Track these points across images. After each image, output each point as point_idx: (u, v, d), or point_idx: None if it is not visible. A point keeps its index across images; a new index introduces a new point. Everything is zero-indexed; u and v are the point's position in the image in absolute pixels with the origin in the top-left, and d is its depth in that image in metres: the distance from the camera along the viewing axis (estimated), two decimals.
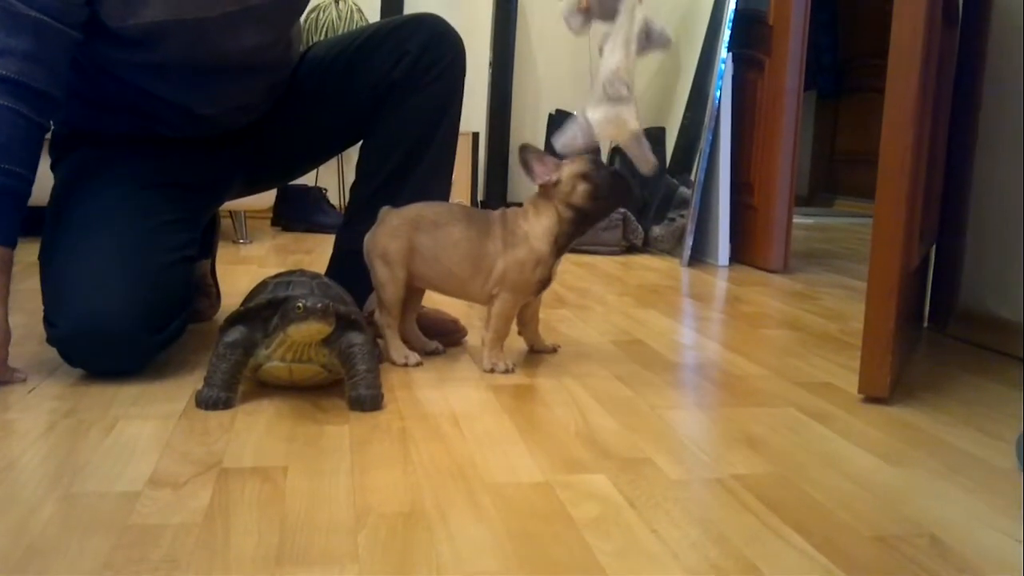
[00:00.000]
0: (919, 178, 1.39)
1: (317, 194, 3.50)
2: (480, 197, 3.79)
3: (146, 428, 1.14)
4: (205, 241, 1.79)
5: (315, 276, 1.36)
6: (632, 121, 1.48)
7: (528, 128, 3.79)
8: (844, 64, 5.85)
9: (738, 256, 2.86)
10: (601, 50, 1.53)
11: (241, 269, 2.46)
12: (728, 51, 2.80)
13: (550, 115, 3.45)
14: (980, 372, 1.62)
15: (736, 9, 2.82)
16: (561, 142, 1.54)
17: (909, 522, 0.95)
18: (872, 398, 1.37)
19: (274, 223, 3.55)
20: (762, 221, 2.80)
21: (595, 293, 2.30)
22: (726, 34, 2.81)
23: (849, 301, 2.26)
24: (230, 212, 2.99)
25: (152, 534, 0.85)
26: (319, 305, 1.17)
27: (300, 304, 1.17)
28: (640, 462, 1.09)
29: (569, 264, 2.77)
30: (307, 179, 3.41)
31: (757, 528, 0.91)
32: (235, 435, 1.13)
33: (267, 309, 1.25)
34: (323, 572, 0.77)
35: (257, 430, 1.15)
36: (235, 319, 1.27)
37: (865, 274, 1.38)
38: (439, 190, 1.66)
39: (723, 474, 1.06)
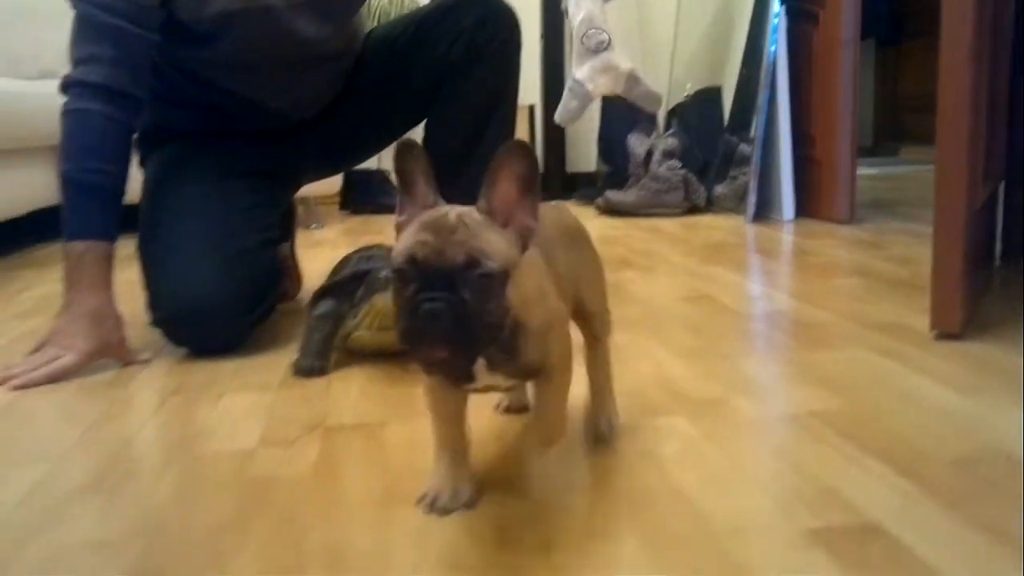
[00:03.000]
0: (980, 115, 1.39)
1: (381, 177, 3.59)
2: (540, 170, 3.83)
3: (249, 397, 1.22)
4: (284, 226, 1.88)
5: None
6: (622, 63, 1.44)
7: None
8: (902, 9, 5.70)
9: (803, 210, 2.85)
10: (566, 10, 1.49)
11: (316, 252, 2.55)
12: (781, 4, 2.78)
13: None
14: None
15: None
16: (561, 116, 1.53)
17: (987, 447, 0.97)
18: (945, 334, 1.38)
19: (342, 207, 3.65)
20: (826, 173, 2.78)
21: (660, 254, 2.33)
22: None
23: (919, 247, 2.25)
24: (301, 199, 3.08)
25: (270, 486, 0.92)
26: None
27: (383, 275, 1.23)
28: (717, 403, 1.13)
29: (632, 228, 2.80)
30: (370, 163, 3.48)
31: (836, 458, 0.95)
32: (333, 399, 1.20)
33: (352, 282, 1.32)
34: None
35: (352, 393, 1.22)
36: (323, 293, 1.35)
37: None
38: None
39: (799, 411, 1.10)
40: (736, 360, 1.34)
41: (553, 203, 0.99)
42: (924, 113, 5.31)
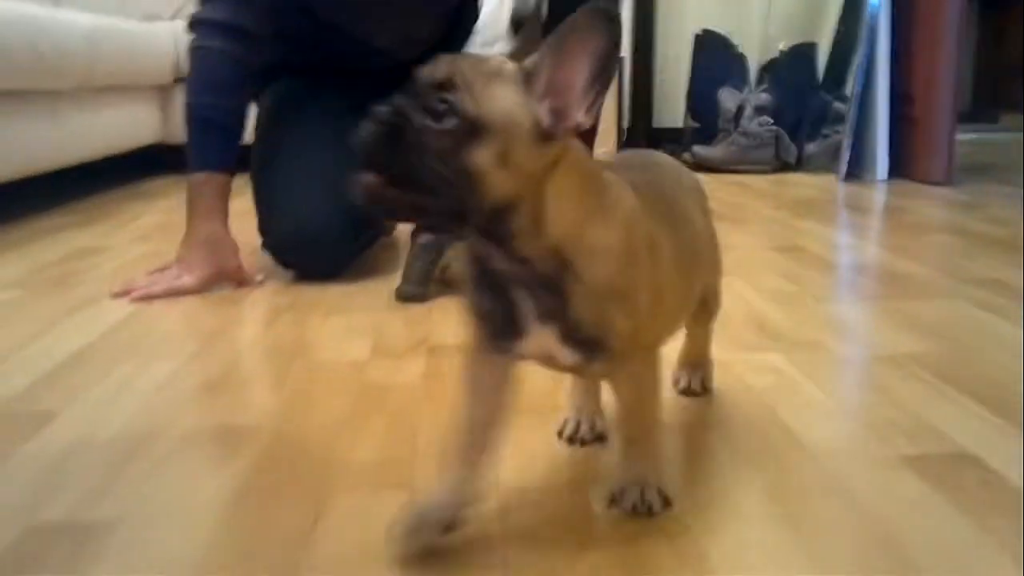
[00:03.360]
0: None
1: None
2: (625, 124, 3.82)
3: (356, 317, 1.29)
4: None
5: None
6: None
7: (672, 51, 3.77)
8: None
9: (898, 170, 2.80)
10: None
11: None
12: None
13: (696, 36, 3.42)
14: None
15: None
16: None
17: None
18: None
19: None
20: (923, 133, 2.72)
21: (751, 207, 2.32)
22: None
23: (1017, 209, 2.20)
24: None
25: (382, 391, 0.99)
26: None
27: None
28: (811, 344, 1.15)
29: (720, 183, 2.78)
30: None
31: (931, 395, 0.97)
32: (434, 322, 1.26)
33: None
34: (537, 416, 0.88)
35: (451, 318, 1.28)
36: None
37: None
38: None
39: (894, 352, 1.11)
40: (830, 305, 1.35)
41: (659, 153, 0.88)
42: None
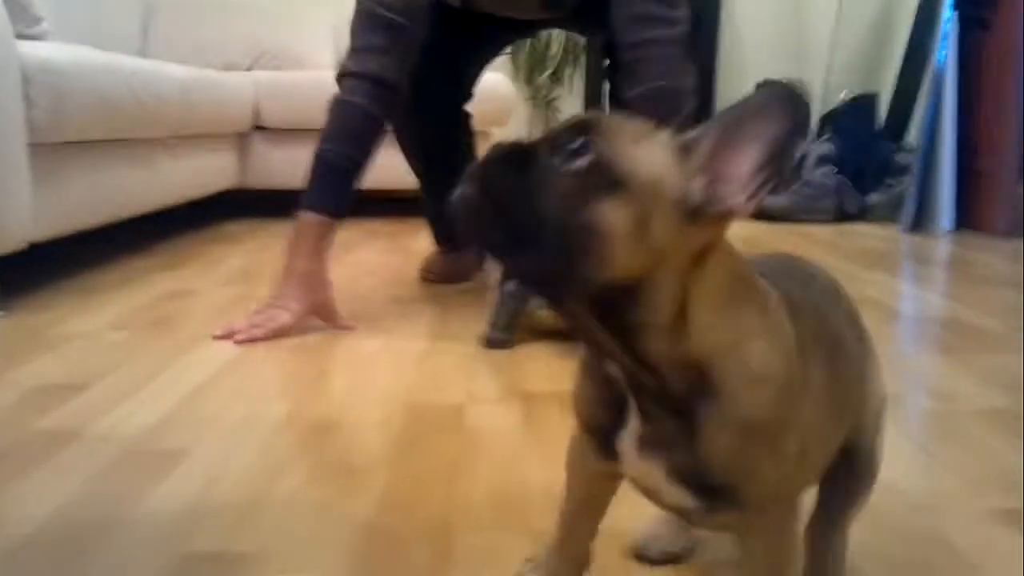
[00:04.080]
0: None
1: None
2: None
3: (445, 361, 1.34)
4: None
5: None
6: None
7: (734, 99, 3.81)
8: None
9: (963, 222, 2.81)
10: None
11: None
12: (953, 10, 2.74)
13: (757, 85, 3.47)
14: None
15: None
16: None
17: None
18: None
19: None
20: (989, 184, 2.73)
21: (815, 257, 2.34)
22: None
23: None
24: None
25: (485, 435, 1.04)
26: None
27: None
28: (898, 397, 1.17)
29: (783, 233, 2.81)
30: None
31: (1018, 449, 0.99)
32: (522, 368, 1.31)
33: None
34: None
35: (539, 365, 1.33)
36: None
37: None
38: None
39: (976, 406, 1.13)
40: (906, 358, 1.37)
41: (810, 261, 0.71)
42: None
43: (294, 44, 3.37)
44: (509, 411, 1.12)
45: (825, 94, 3.51)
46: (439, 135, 1.89)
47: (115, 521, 0.81)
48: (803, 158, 3.11)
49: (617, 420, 0.54)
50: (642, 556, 0.74)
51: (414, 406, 1.14)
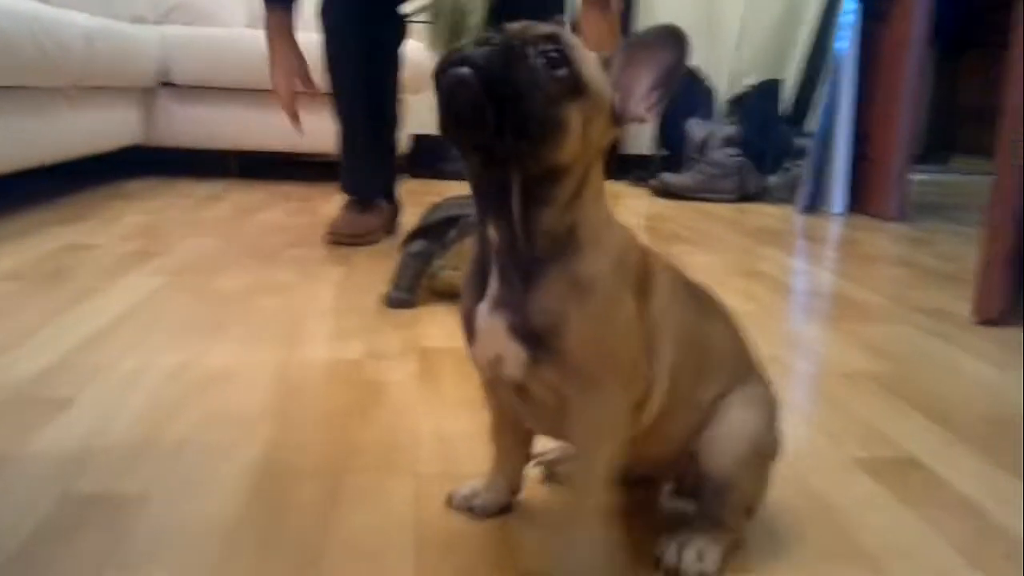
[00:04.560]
0: None
1: (441, 142, 3.70)
2: None
3: (346, 320, 1.36)
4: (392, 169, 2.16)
5: None
6: None
7: None
8: (969, 18, 5.70)
9: (854, 205, 2.94)
10: None
11: None
12: (856, 1, 2.85)
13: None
14: None
15: None
16: None
17: (1017, 409, 1.08)
18: (984, 320, 1.48)
19: (402, 170, 3.77)
20: (879, 171, 2.86)
21: (715, 233, 2.43)
22: None
23: (965, 246, 2.33)
24: None
25: (380, 387, 1.06)
26: None
27: None
28: (772, 359, 1.24)
29: (686, 210, 2.89)
30: (430, 128, 3.62)
31: (881, 407, 1.07)
32: (422, 327, 1.33)
33: (446, 225, 1.45)
34: None
35: (439, 322, 1.35)
36: (417, 233, 1.47)
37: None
38: None
39: (849, 369, 1.21)
40: (790, 325, 1.45)
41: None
42: (979, 125, 5.32)
43: (206, 0, 3.29)
44: (405, 365, 1.14)
45: (732, 80, 3.61)
46: (374, 35, 1.95)
47: None
48: (708, 139, 3.20)
49: (479, 295, 0.64)
50: (465, 509, 0.77)
51: (311, 360, 1.16)
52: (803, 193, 2.94)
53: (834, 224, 2.74)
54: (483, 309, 0.63)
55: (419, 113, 3.18)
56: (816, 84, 3.13)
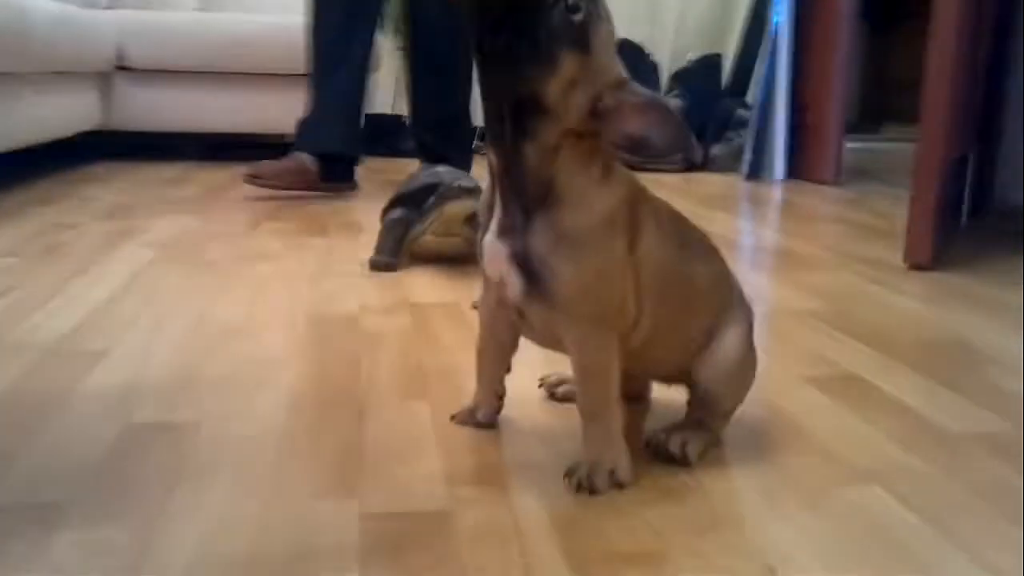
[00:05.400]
0: (959, 80, 1.64)
1: (396, 121, 3.79)
2: None
3: (336, 282, 1.46)
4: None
5: (452, 169, 1.66)
6: None
7: None
8: None
9: (793, 172, 3.11)
10: None
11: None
12: None
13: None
14: (1010, 250, 1.88)
15: None
16: None
17: (945, 337, 1.24)
18: (916, 265, 1.64)
19: None
20: (816, 138, 3.04)
21: (666, 199, 2.57)
22: None
23: (896, 206, 2.50)
24: None
25: (381, 336, 1.17)
26: (472, 186, 1.47)
27: (457, 184, 1.47)
28: None
29: None
30: (386, 107, 3.70)
31: (824, 337, 1.21)
32: (409, 286, 1.44)
33: (423, 192, 1.56)
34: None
35: (424, 283, 1.46)
36: (396, 202, 1.58)
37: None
38: None
39: (795, 308, 1.36)
40: (742, 277, 1.59)
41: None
42: (907, 94, 5.57)
43: None
44: (399, 318, 1.25)
45: (675, 55, 3.76)
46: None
47: (53, 406, 0.90)
48: None
49: (489, 219, 0.74)
50: (470, 423, 0.88)
51: (312, 315, 1.26)
52: (746, 161, 3.10)
53: (776, 189, 2.91)
54: (490, 234, 0.74)
55: (374, 93, 3.27)
56: (755, 58, 3.29)
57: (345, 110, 2.32)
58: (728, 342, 0.83)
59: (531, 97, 0.68)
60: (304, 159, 2.29)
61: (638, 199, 0.76)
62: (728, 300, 0.86)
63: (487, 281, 0.79)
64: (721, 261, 0.87)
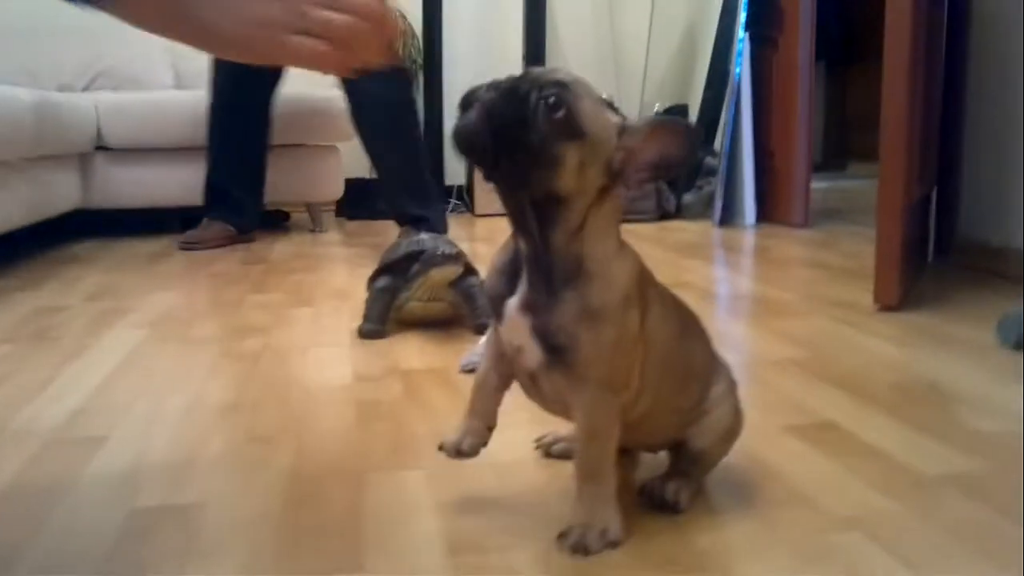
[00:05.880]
0: (915, 122, 1.72)
1: (375, 185, 3.85)
2: None
3: (329, 352, 1.49)
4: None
5: (434, 235, 1.71)
6: None
7: None
8: (850, 34, 6.13)
9: (764, 216, 3.19)
10: None
11: (323, 251, 2.81)
12: (745, 31, 3.13)
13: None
14: (976, 287, 1.95)
15: None
16: None
17: (916, 378, 1.29)
18: (885, 307, 1.70)
19: (338, 214, 3.89)
20: (784, 182, 3.12)
21: (640, 250, 2.62)
22: (742, 16, 3.14)
23: (864, 245, 2.57)
24: (307, 205, 3.35)
25: (373, 404, 1.20)
26: (454, 252, 1.52)
27: (441, 251, 1.52)
28: None
29: None
30: (364, 172, 3.76)
31: (801, 384, 1.26)
32: (398, 352, 1.48)
33: (407, 260, 1.60)
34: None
35: (412, 349, 1.50)
36: (382, 271, 1.62)
37: None
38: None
39: (773, 357, 1.40)
40: (719, 326, 1.64)
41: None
42: (869, 132, 5.72)
43: (129, 65, 3.37)
44: (391, 385, 1.29)
45: (641, 107, 3.87)
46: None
47: (59, 493, 0.92)
48: None
49: (510, 289, 0.78)
50: (455, 453, 0.88)
51: (305, 387, 1.29)
52: (717, 208, 3.18)
53: (748, 234, 2.98)
54: (513, 304, 0.77)
55: (350, 158, 3.34)
56: (719, 107, 3.39)
57: (246, 179, 2.93)
58: (721, 411, 0.89)
59: (548, 194, 0.73)
60: (220, 223, 2.85)
61: (644, 277, 0.80)
62: (716, 372, 0.90)
63: (503, 346, 0.81)
64: (707, 335, 0.91)
